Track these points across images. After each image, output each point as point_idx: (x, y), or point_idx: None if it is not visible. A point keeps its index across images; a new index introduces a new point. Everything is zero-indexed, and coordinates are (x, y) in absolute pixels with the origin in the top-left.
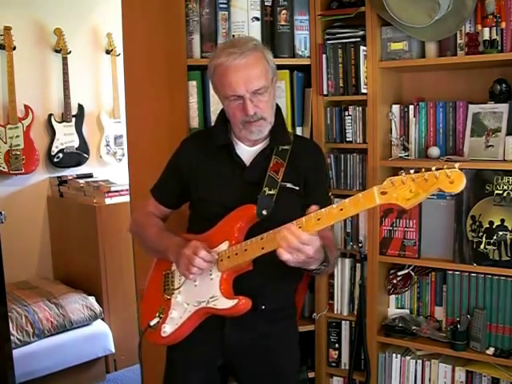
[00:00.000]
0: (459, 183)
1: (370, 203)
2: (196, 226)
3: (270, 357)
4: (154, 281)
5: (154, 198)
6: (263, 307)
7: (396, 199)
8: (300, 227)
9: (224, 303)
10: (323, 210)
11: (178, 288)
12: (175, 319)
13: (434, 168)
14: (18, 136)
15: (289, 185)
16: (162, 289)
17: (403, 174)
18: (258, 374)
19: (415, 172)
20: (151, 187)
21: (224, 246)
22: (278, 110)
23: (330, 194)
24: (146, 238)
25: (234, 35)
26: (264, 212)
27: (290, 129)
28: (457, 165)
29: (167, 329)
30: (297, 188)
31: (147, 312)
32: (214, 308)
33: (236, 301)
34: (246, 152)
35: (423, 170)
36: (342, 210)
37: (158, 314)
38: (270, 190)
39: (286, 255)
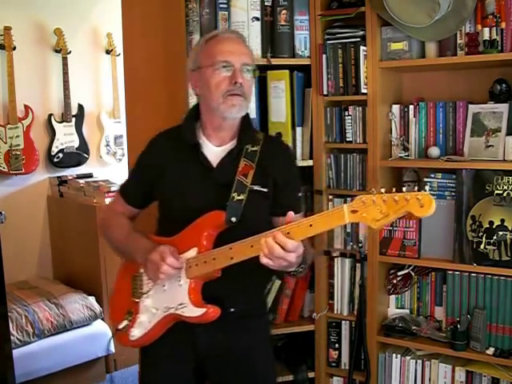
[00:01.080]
0: (429, 208)
1: (339, 221)
2: (164, 228)
3: (243, 358)
4: (122, 282)
5: (121, 198)
6: (232, 310)
7: (365, 219)
8: (288, 233)
9: (192, 311)
10: (295, 223)
11: (146, 292)
12: (144, 323)
13: (404, 189)
14: (18, 136)
15: (257, 187)
16: (131, 291)
17: (374, 193)
18: (232, 375)
19: (386, 192)
20: (119, 186)
21: (193, 253)
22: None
23: (300, 194)
24: (114, 239)
25: None
26: (233, 219)
27: (290, 129)
28: (427, 188)
29: (135, 333)
30: (265, 190)
31: (116, 314)
32: (183, 315)
33: (204, 310)
34: (213, 152)
35: (394, 190)
36: (311, 225)
37: (126, 317)
38: (239, 195)
39: (266, 260)
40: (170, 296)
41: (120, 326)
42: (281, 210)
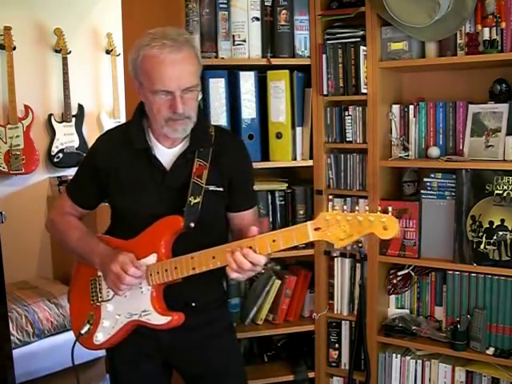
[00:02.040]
0: (392, 230)
1: (303, 238)
2: (117, 229)
3: (205, 347)
4: (79, 286)
5: (68, 197)
6: (194, 304)
7: (330, 237)
8: (251, 247)
9: (157, 319)
10: (258, 236)
11: (107, 299)
12: (107, 328)
13: (367, 209)
14: (18, 136)
15: (212, 187)
16: (89, 295)
17: (337, 210)
18: (197, 365)
19: (350, 211)
20: (67, 183)
21: (152, 259)
22: (198, 108)
23: (254, 187)
24: (67, 241)
25: (234, 35)
26: (191, 224)
27: (290, 129)
28: (390, 209)
29: (100, 337)
30: (221, 189)
31: (76, 318)
32: (148, 322)
33: (169, 318)
34: (166, 154)
35: (357, 210)
36: (274, 240)
37: (87, 321)
38: (195, 198)
39: (235, 275)
40: (133, 303)
41: (82, 331)
42: (237, 207)
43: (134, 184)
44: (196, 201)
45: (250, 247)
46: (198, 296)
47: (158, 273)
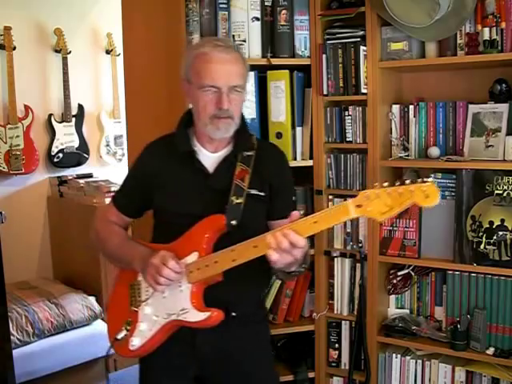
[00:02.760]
0: (435, 197)
1: (344, 216)
2: (160, 235)
3: (244, 363)
4: (118, 292)
5: (114, 207)
6: (234, 314)
7: (371, 213)
8: (295, 230)
9: (195, 316)
10: (300, 220)
11: (145, 300)
12: (144, 332)
13: (407, 181)
14: (18, 136)
15: (254, 191)
16: (129, 300)
17: (377, 187)
18: (233, 381)
19: (389, 186)
20: (113, 194)
21: (193, 257)
22: (242, 117)
23: (294, 199)
24: (108, 248)
25: (233, 35)
26: (233, 222)
27: (290, 129)
28: (430, 178)
29: (136, 342)
30: (262, 194)
31: (113, 324)
32: (185, 320)
33: (208, 313)
34: (209, 158)
35: (398, 183)
36: (315, 222)
37: (124, 327)
38: (238, 198)
39: (275, 256)
40: (171, 302)
41: (118, 336)
42: (277, 215)
43: (177, 185)
44: (238, 201)
45: (294, 230)
46: (238, 306)
47: (198, 269)
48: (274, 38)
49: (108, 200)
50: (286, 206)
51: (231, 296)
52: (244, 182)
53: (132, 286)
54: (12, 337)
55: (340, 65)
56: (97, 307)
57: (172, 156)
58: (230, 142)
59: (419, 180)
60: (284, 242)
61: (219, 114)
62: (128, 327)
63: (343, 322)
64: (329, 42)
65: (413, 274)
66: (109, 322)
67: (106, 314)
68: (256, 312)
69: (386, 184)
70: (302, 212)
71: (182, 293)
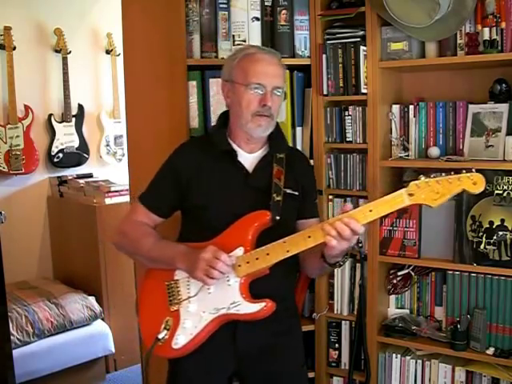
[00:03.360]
0: (481, 184)
1: (399, 204)
2: (195, 234)
3: (280, 354)
4: (152, 291)
5: (144, 206)
6: (275, 308)
7: (424, 200)
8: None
9: (249, 308)
10: (356, 209)
11: (188, 298)
12: (189, 329)
13: (452, 173)
14: (18, 136)
15: (289, 190)
16: (166, 299)
17: (423, 178)
18: (268, 373)
19: (435, 177)
20: (140, 194)
21: (239, 252)
22: None
23: (317, 200)
24: (142, 249)
25: (234, 35)
26: (277, 217)
27: (290, 129)
28: (474, 169)
29: (181, 340)
30: (296, 193)
31: (149, 325)
32: (237, 313)
33: (263, 304)
34: (247, 158)
35: (443, 174)
36: (371, 210)
37: (164, 326)
38: (277, 196)
39: (333, 242)
40: (219, 297)
41: (160, 336)
42: (307, 214)
43: (217, 184)
44: (278, 198)
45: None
46: (279, 299)
47: (247, 263)
48: (274, 38)
49: (108, 200)
50: (313, 206)
51: (272, 290)
52: (281, 181)
53: (169, 285)
54: (12, 337)
55: (340, 65)
56: (97, 307)
57: (209, 155)
58: (264, 144)
59: (464, 171)
60: (346, 230)
61: (262, 112)
62: (168, 327)
63: (343, 321)
64: (329, 42)
65: (413, 274)
66: (144, 323)
67: (138, 316)
68: (290, 306)
69: (432, 175)
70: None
71: (230, 287)
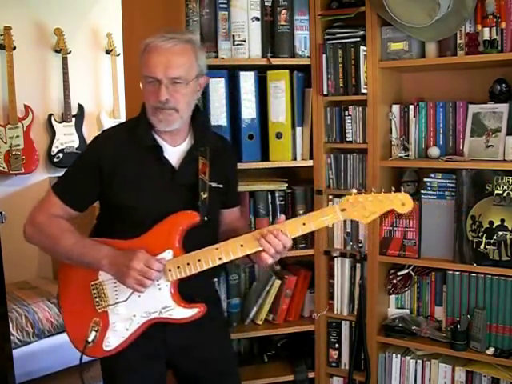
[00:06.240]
0: (409, 205)
1: (332, 219)
2: (118, 231)
3: (209, 345)
4: (75, 291)
5: (58, 199)
6: (198, 299)
7: (356, 216)
8: (281, 231)
9: (182, 313)
10: (290, 220)
11: (117, 303)
12: (120, 332)
13: (383, 191)
14: (18, 136)
15: (214, 184)
16: (91, 300)
17: (355, 193)
18: (199, 365)
19: (366, 193)
20: (55, 185)
21: (168, 255)
22: (197, 109)
23: (237, 187)
24: (61, 246)
25: (234, 35)
26: (206, 218)
27: (290, 129)
28: (402, 188)
29: (112, 342)
30: (221, 186)
31: (75, 327)
32: (170, 318)
33: (196, 310)
34: (172, 153)
35: (373, 192)
36: (304, 224)
37: (93, 328)
38: (204, 193)
39: (270, 260)
40: (149, 301)
41: (89, 339)
42: (228, 204)
43: (143, 181)
44: (205, 196)
45: (281, 231)
46: (199, 291)
47: (178, 267)
48: (274, 38)
49: None
50: (236, 195)
51: (194, 282)
52: (206, 175)
53: (94, 286)
54: (12, 337)
55: (340, 65)
56: None
57: (134, 147)
58: (187, 135)
59: (393, 190)
60: (279, 245)
61: (158, 106)
62: (96, 328)
63: (343, 321)
64: (329, 42)
65: (413, 274)
66: (68, 324)
67: (61, 314)
68: (212, 295)
69: (361, 192)
70: (301, 212)
71: (160, 291)
